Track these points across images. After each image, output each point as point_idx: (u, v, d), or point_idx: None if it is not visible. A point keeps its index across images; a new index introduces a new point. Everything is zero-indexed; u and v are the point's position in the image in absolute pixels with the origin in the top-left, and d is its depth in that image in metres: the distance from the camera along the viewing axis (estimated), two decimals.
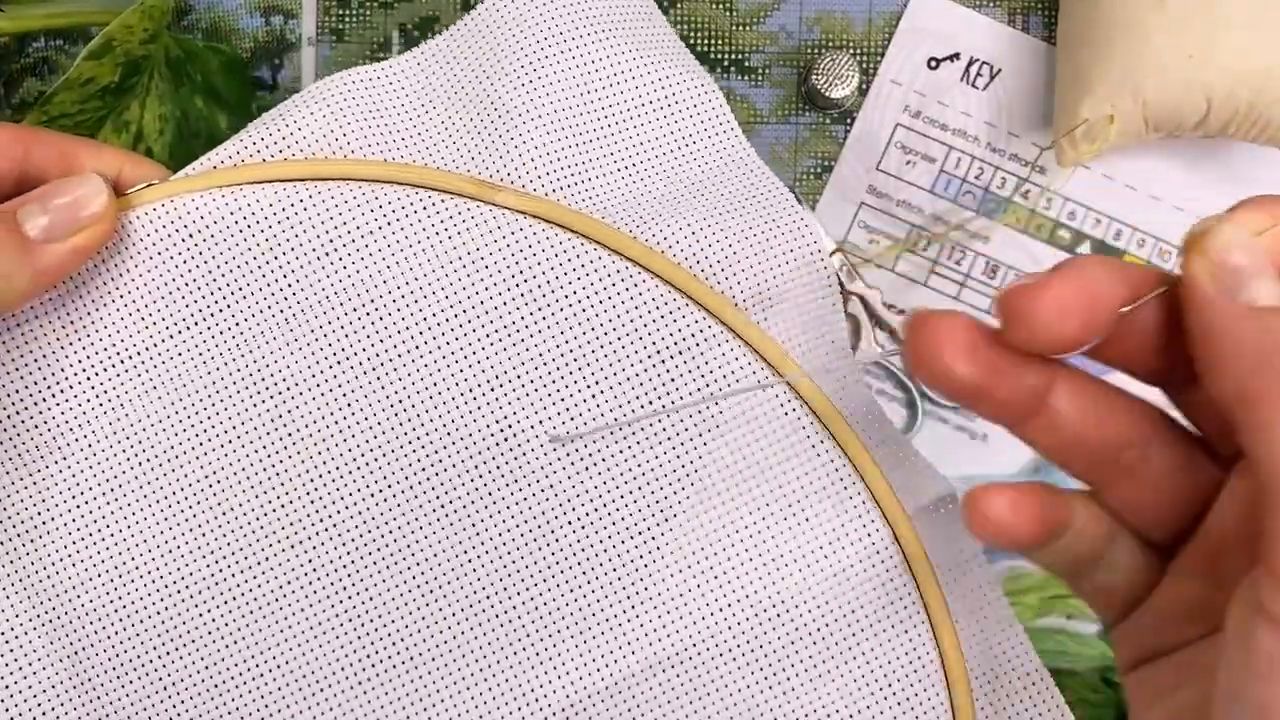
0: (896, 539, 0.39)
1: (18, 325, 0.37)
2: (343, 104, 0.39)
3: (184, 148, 0.46)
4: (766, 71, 0.50)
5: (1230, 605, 0.26)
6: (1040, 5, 0.50)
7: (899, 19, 0.50)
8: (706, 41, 0.50)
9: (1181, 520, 0.30)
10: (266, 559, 0.38)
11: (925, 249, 0.50)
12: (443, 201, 0.39)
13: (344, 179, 0.38)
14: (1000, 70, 0.50)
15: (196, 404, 0.38)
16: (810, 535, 0.39)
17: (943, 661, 0.38)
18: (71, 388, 0.37)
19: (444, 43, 0.41)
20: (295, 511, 0.38)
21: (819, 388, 0.39)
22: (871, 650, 0.38)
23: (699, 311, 0.39)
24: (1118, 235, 0.50)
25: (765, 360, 0.39)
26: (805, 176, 0.50)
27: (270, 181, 0.38)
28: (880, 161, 0.50)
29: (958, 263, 0.50)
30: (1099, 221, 0.50)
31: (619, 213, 0.40)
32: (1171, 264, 0.49)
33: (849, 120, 0.50)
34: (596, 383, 0.38)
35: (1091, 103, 0.45)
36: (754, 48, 0.50)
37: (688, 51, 0.43)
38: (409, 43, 0.50)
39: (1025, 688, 0.39)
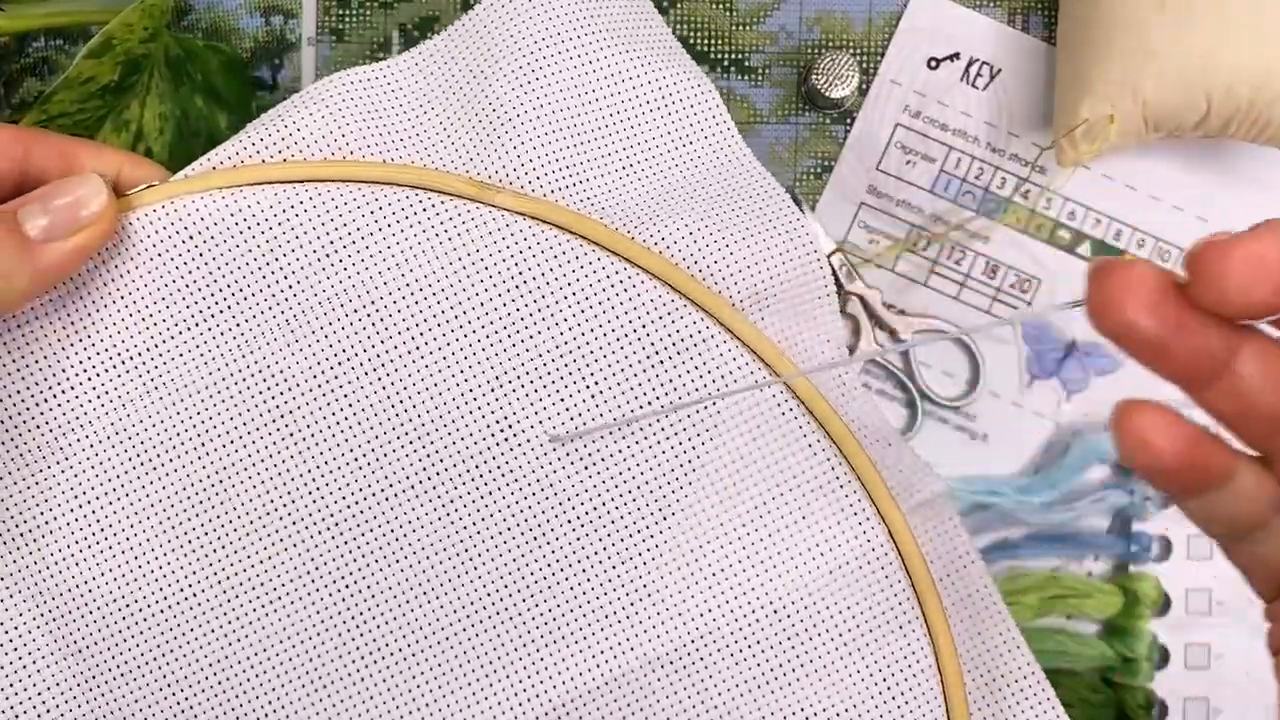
0: (892, 538, 0.39)
1: (18, 326, 0.37)
2: (341, 105, 0.39)
3: (184, 147, 0.46)
4: (766, 71, 0.50)
5: None
6: (1040, 5, 0.50)
7: (899, 19, 0.50)
8: (706, 41, 0.50)
9: None
10: (268, 558, 0.38)
11: (925, 249, 0.50)
12: (442, 203, 0.39)
13: (343, 180, 0.38)
14: (1000, 70, 0.50)
15: (197, 404, 0.38)
16: (806, 535, 0.39)
17: (938, 660, 0.38)
18: (72, 388, 0.37)
19: (442, 43, 0.41)
20: (296, 511, 0.38)
21: (815, 387, 0.39)
22: (867, 649, 0.39)
23: (697, 312, 0.39)
24: (1118, 235, 0.50)
25: (762, 360, 0.39)
26: (805, 176, 0.50)
27: (270, 183, 0.38)
28: (880, 161, 0.50)
29: (958, 263, 0.50)
30: (1099, 221, 0.50)
31: (616, 213, 0.40)
32: (1172, 264, 0.50)
33: (849, 120, 0.50)
34: (595, 383, 0.38)
35: (1091, 103, 0.45)
36: (754, 48, 0.50)
37: (684, 52, 0.43)
38: (409, 43, 0.50)
39: (1020, 687, 0.39)
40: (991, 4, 0.50)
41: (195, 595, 0.38)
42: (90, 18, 0.46)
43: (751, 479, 0.39)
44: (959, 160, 0.50)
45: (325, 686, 0.38)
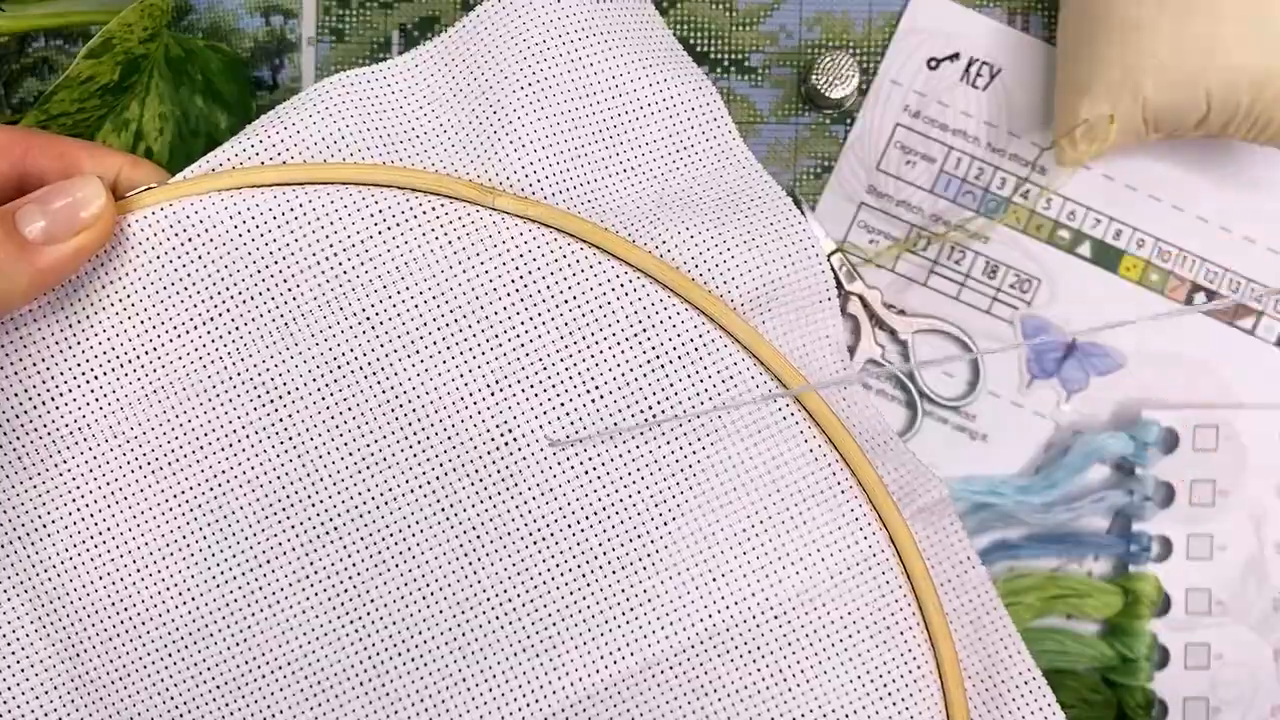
0: (893, 542, 0.39)
1: (16, 328, 0.37)
2: (341, 107, 0.39)
3: (184, 147, 0.46)
4: (766, 71, 0.50)
5: None
6: (1040, 5, 0.50)
7: (899, 19, 0.50)
8: (706, 41, 0.50)
9: None
10: (267, 561, 0.38)
11: (925, 249, 0.50)
12: (442, 205, 0.39)
13: (343, 183, 0.38)
14: (1000, 70, 0.50)
15: (196, 407, 0.38)
16: (807, 539, 0.39)
17: (939, 665, 0.38)
18: (71, 390, 0.37)
19: (442, 45, 0.41)
20: (295, 514, 0.38)
21: (816, 391, 0.39)
22: (868, 653, 0.38)
23: (698, 316, 0.39)
24: (1118, 235, 0.50)
25: (763, 364, 0.39)
26: (805, 176, 0.50)
27: (269, 185, 0.38)
28: (880, 161, 0.50)
29: (957, 263, 0.50)
30: (1099, 221, 0.50)
31: (617, 216, 0.40)
32: (1171, 264, 0.49)
33: (849, 120, 0.50)
34: (595, 387, 0.38)
35: (1091, 103, 0.45)
36: (754, 48, 0.50)
37: (685, 54, 0.43)
38: (409, 43, 0.50)
39: (1021, 692, 0.39)
40: (991, 4, 0.50)
41: (192, 599, 0.38)
42: (90, 18, 0.46)
43: (752, 483, 0.39)
44: (959, 160, 0.50)
45: (324, 691, 0.38)
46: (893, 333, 0.49)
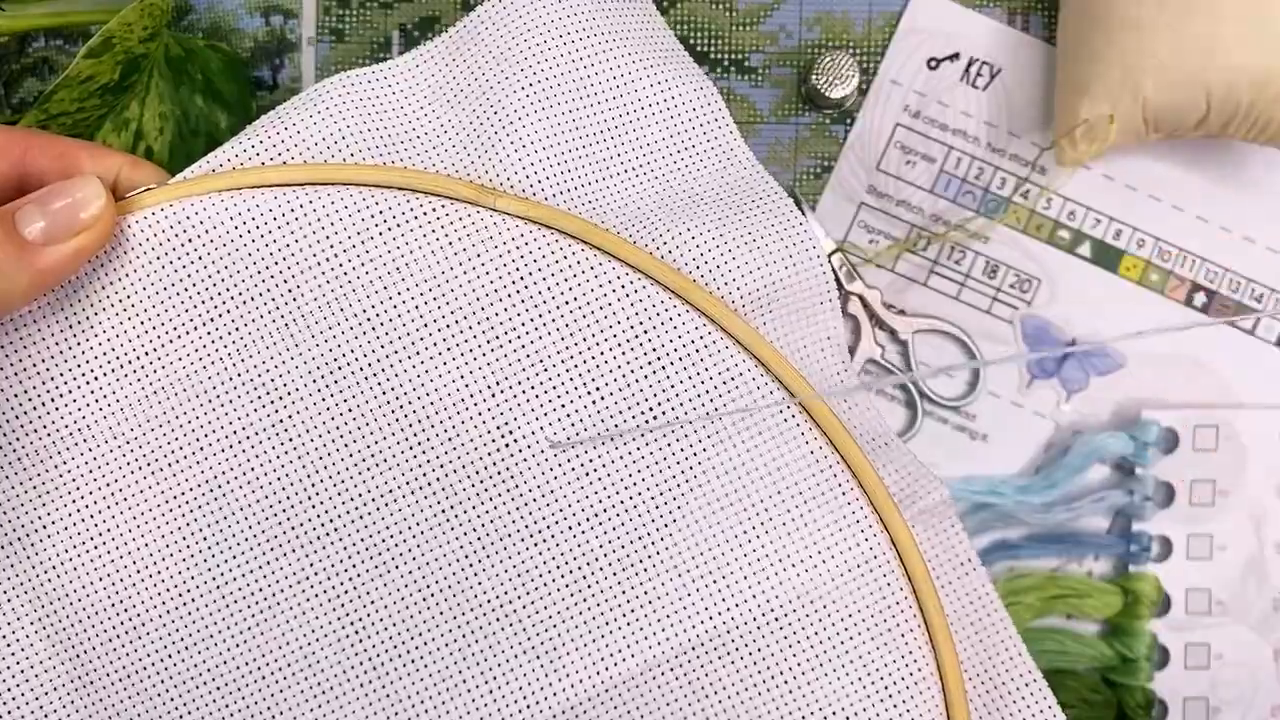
0: (894, 544, 0.39)
1: (16, 329, 0.37)
2: (341, 107, 0.39)
3: (184, 147, 0.46)
4: (766, 71, 0.50)
5: None
6: (1040, 5, 0.50)
7: (899, 19, 0.50)
8: (706, 41, 0.50)
9: None
10: (267, 562, 0.38)
11: (925, 249, 0.50)
12: (442, 206, 0.39)
13: (343, 184, 0.38)
14: (1000, 70, 0.50)
15: (196, 408, 0.38)
16: (808, 540, 0.39)
17: (939, 667, 0.38)
18: (70, 391, 0.37)
19: (443, 45, 0.41)
20: (295, 515, 0.38)
21: (825, 400, 0.39)
22: (869, 655, 0.38)
23: (698, 317, 0.39)
24: (1118, 235, 0.50)
25: (764, 365, 0.39)
26: (805, 176, 0.50)
27: (269, 186, 0.38)
28: (880, 161, 0.50)
29: (957, 263, 0.50)
30: (1099, 221, 0.50)
31: (617, 217, 0.40)
32: (1171, 264, 0.49)
33: (849, 120, 0.50)
34: (596, 388, 0.38)
35: (1091, 103, 0.45)
36: (754, 48, 0.50)
37: (686, 54, 0.43)
38: (409, 43, 0.50)
39: (1021, 694, 0.39)
40: (991, 4, 0.50)
41: (193, 600, 0.38)
42: (90, 17, 0.46)
43: (753, 485, 0.39)
44: (959, 160, 0.50)
45: (324, 692, 0.38)
46: (893, 333, 0.49)
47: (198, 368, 0.38)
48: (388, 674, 0.38)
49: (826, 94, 0.48)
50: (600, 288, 0.39)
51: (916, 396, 0.49)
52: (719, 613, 0.38)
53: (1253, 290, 0.50)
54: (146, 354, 0.38)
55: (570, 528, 0.38)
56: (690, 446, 0.39)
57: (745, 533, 0.39)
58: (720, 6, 0.50)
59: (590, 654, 0.38)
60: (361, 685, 0.38)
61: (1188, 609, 0.49)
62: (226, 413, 0.38)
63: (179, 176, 0.38)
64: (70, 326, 0.37)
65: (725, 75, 0.50)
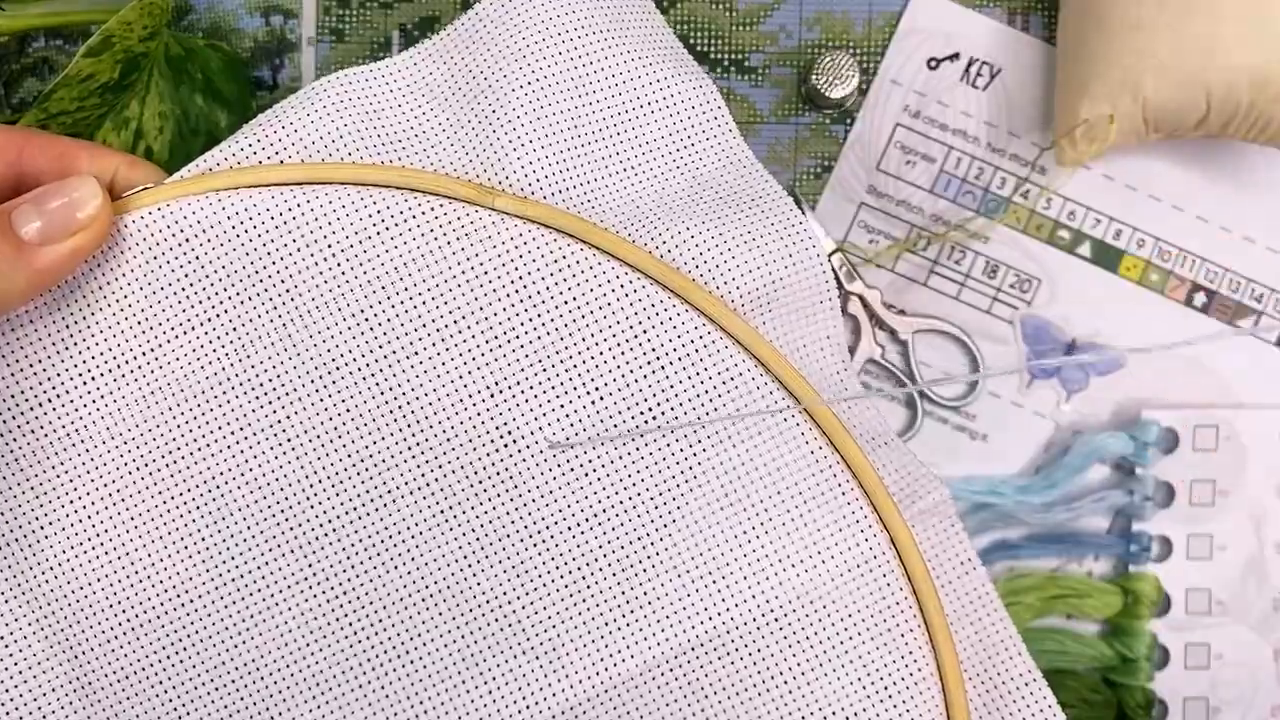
0: (894, 544, 0.39)
1: (13, 330, 0.37)
2: (339, 106, 0.39)
3: (184, 146, 0.46)
4: (766, 71, 0.50)
5: None
6: (1040, 5, 0.50)
7: (899, 19, 0.50)
8: (706, 41, 0.50)
9: None
10: (266, 563, 0.38)
11: (925, 249, 0.50)
12: (441, 206, 0.38)
13: (341, 183, 0.38)
14: (1000, 70, 0.50)
15: (194, 409, 0.38)
16: (808, 541, 0.39)
17: (939, 667, 0.38)
18: (68, 392, 0.37)
19: (441, 42, 0.41)
20: (294, 516, 0.38)
21: (818, 394, 0.39)
22: (868, 655, 0.38)
23: (698, 317, 0.39)
24: (1118, 235, 0.50)
25: (764, 365, 0.39)
26: (805, 176, 0.50)
27: (266, 185, 0.38)
28: (880, 161, 0.50)
29: (957, 263, 0.50)
30: (1099, 221, 0.50)
31: (617, 216, 0.40)
32: (1171, 264, 0.49)
33: (849, 120, 0.50)
34: (595, 389, 0.38)
35: (1091, 103, 0.45)
36: (754, 47, 0.50)
37: (686, 52, 0.43)
38: (409, 43, 0.50)
39: (1021, 694, 0.39)
40: (991, 4, 0.50)
41: (191, 600, 0.38)
42: (90, 17, 0.46)
43: (753, 485, 0.39)
44: (959, 160, 0.50)
45: (323, 693, 0.38)
46: (893, 333, 0.49)
47: (196, 368, 0.38)
48: (387, 674, 0.38)
49: (826, 94, 0.48)
50: (599, 287, 0.39)
51: (916, 397, 0.49)
52: (718, 613, 0.38)
53: (1253, 290, 0.50)
54: (144, 354, 0.38)
55: (569, 528, 0.38)
56: (690, 446, 0.39)
57: (745, 533, 0.39)
58: (720, 6, 0.50)
59: (590, 654, 0.38)
60: (360, 686, 0.38)
61: (1188, 609, 0.49)
62: (225, 413, 0.38)
63: (176, 176, 0.38)
64: (68, 327, 0.37)
65: (725, 75, 0.50)
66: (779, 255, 0.40)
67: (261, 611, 0.38)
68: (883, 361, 0.49)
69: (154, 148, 0.46)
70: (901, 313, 0.49)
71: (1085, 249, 0.50)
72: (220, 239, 0.38)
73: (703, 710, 0.38)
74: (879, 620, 0.39)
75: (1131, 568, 0.49)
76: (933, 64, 0.50)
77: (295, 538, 0.38)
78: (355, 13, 0.50)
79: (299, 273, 0.38)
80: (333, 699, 0.38)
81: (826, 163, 0.50)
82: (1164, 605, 0.49)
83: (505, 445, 0.38)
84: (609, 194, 0.40)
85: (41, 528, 0.37)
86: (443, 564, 0.38)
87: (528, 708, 0.38)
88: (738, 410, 0.39)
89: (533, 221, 0.39)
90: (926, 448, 0.49)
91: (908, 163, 0.50)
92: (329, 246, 0.38)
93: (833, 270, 0.47)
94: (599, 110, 0.41)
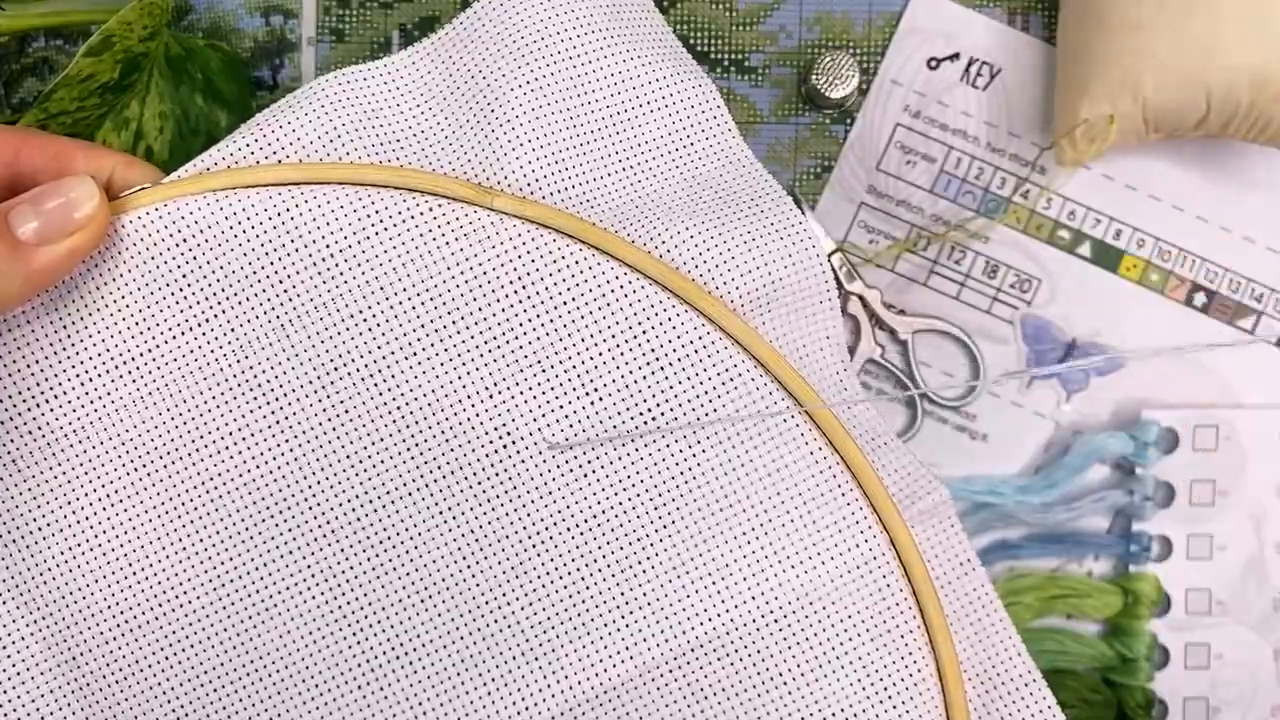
0: (893, 545, 0.39)
1: (10, 330, 0.37)
2: (336, 105, 0.39)
3: (184, 146, 0.46)
4: (766, 71, 0.50)
5: None
6: (1040, 5, 0.50)
7: (899, 19, 0.50)
8: (706, 41, 0.50)
9: None
10: (264, 564, 0.38)
11: (925, 249, 0.50)
12: (439, 206, 0.38)
13: (339, 183, 0.38)
14: (1000, 70, 0.50)
15: (192, 409, 0.38)
16: (807, 542, 0.39)
17: (939, 667, 0.38)
18: (66, 392, 0.37)
19: (439, 42, 0.41)
20: (292, 517, 0.38)
21: (818, 395, 0.39)
22: (868, 656, 0.38)
23: (697, 317, 0.39)
24: (1118, 235, 0.50)
25: (763, 365, 0.39)
26: (805, 176, 0.50)
27: (264, 185, 0.38)
28: (880, 161, 0.50)
29: (957, 263, 0.50)
30: (1099, 221, 0.50)
31: (615, 216, 0.40)
32: (1171, 264, 0.49)
33: (849, 120, 0.50)
34: (594, 389, 0.38)
35: (1091, 103, 0.45)
36: (754, 47, 0.50)
37: (685, 52, 0.43)
38: (409, 42, 0.50)
39: (1021, 694, 0.39)
40: (991, 4, 0.50)
41: (189, 602, 0.38)
42: (90, 17, 0.46)
43: (752, 486, 0.39)
44: (959, 160, 0.50)
45: (322, 694, 0.38)
46: (893, 332, 0.49)
47: (193, 368, 0.38)
48: (385, 675, 0.38)
49: (826, 94, 0.48)
50: (598, 287, 0.39)
51: (916, 397, 0.49)
52: (718, 614, 0.38)
53: (1253, 290, 0.50)
54: (142, 355, 0.38)
55: (568, 529, 0.38)
56: (689, 447, 0.39)
57: (744, 534, 0.39)
58: (720, 6, 0.50)
59: (588, 656, 0.38)
60: (359, 686, 0.38)
61: (1188, 609, 0.49)
62: (223, 413, 0.38)
63: (173, 176, 0.38)
64: (65, 327, 0.37)
65: (725, 75, 0.50)
66: (779, 255, 0.40)
67: (259, 613, 0.38)
68: (882, 361, 0.49)
69: (154, 148, 0.46)
70: (901, 313, 0.49)
71: (1085, 249, 0.50)
72: (218, 239, 0.38)
73: (702, 711, 0.38)
74: (879, 621, 0.39)
75: (1131, 568, 0.49)
76: (933, 64, 0.50)
77: (293, 539, 0.38)
78: (355, 13, 0.50)
79: (297, 273, 0.38)
80: (331, 700, 0.38)
81: (826, 163, 0.50)
82: (1164, 605, 0.49)
83: (504, 446, 0.38)
84: (608, 194, 0.40)
85: (39, 529, 0.37)
86: (441, 565, 0.38)
87: (527, 709, 0.38)
88: (737, 411, 0.39)
89: (531, 221, 0.39)
90: (926, 448, 0.49)
91: (908, 163, 0.50)
92: (326, 247, 0.38)
93: (833, 270, 0.47)
94: (598, 110, 0.41)
